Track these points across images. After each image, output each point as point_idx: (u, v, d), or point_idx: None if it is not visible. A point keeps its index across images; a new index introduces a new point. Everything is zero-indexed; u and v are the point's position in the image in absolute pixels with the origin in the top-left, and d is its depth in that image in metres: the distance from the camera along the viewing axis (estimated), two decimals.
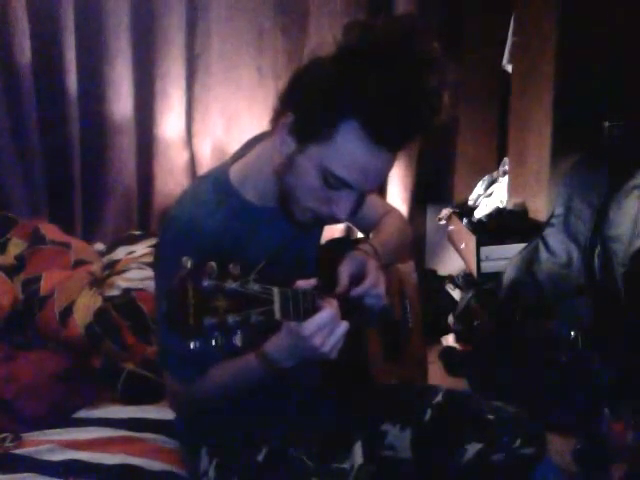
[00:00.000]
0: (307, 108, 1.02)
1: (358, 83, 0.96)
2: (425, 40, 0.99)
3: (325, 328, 0.99)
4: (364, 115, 0.97)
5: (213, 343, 0.84)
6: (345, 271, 1.15)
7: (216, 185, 1.16)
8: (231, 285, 0.84)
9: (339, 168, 1.01)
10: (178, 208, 1.16)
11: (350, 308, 1.10)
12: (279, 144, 1.07)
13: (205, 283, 0.82)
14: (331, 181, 1.03)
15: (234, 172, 1.17)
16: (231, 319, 0.84)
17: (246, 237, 1.14)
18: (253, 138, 1.25)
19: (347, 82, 0.97)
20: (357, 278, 1.17)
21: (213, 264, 0.83)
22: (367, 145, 0.99)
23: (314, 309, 0.99)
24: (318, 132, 1.01)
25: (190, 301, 0.81)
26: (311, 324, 0.98)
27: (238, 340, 0.86)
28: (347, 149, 1.00)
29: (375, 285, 1.17)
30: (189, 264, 0.82)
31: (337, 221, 1.12)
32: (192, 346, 0.84)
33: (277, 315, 0.91)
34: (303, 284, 1.00)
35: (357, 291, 1.16)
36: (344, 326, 1.01)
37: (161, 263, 1.16)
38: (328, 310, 0.99)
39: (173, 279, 0.82)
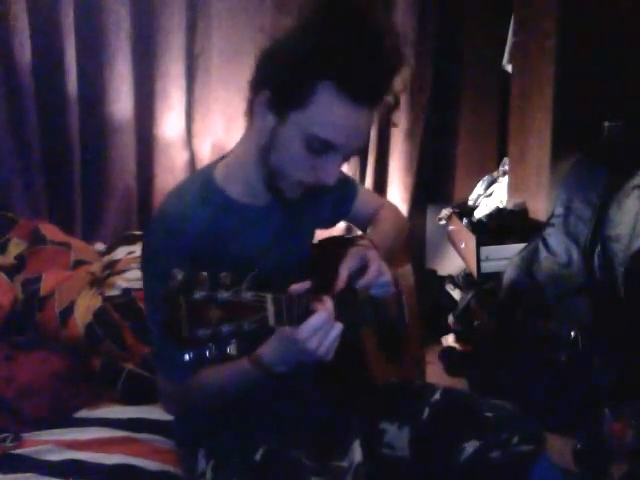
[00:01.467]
0: (282, 79, 1.05)
1: (328, 46, 1.01)
2: (373, 5, 1.07)
3: (320, 331, 0.99)
4: (338, 74, 1.01)
5: (207, 354, 0.84)
6: (345, 268, 1.15)
7: (201, 184, 1.17)
8: (223, 295, 0.83)
9: (322, 130, 1.04)
10: (163, 207, 1.16)
11: (349, 305, 1.09)
12: (260, 123, 1.09)
13: (197, 295, 0.81)
14: (315, 146, 1.05)
15: (219, 171, 1.19)
16: (225, 329, 0.83)
17: (232, 235, 1.15)
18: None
19: (317, 46, 1.01)
20: (359, 272, 1.17)
21: (204, 274, 0.82)
22: (345, 103, 1.03)
23: (308, 312, 0.99)
24: (297, 99, 1.04)
25: (183, 313, 0.80)
26: (305, 328, 0.97)
27: (232, 349, 0.85)
28: (327, 109, 1.03)
29: (379, 274, 1.17)
30: (180, 276, 0.81)
31: (323, 188, 1.13)
32: (186, 357, 0.83)
33: (271, 322, 0.91)
34: (297, 288, 0.99)
35: (361, 283, 1.15)
36: (338, 328, 1.01)
37: (148, 263, 1.15)
38: (322, 313, 0.99)
39: (164, 291, 0.81)
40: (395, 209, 1.55)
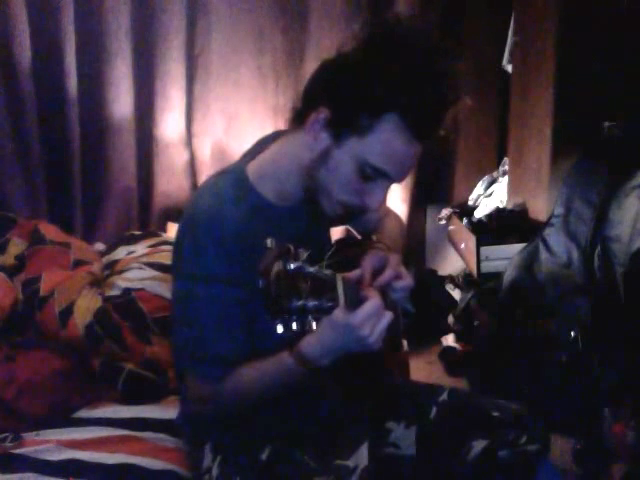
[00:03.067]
0: (347, 103, 1.04)
1: (400, 81, 1.00)
2: (434, 35, 1.06)
3: (372, 318, 0.99)
4: (405, 109, 1.02)
5: (294, 327, 0.84)
6: (368, 266, 1.14)
7: (236, 182, 1.16)
8: (309, 269, 0.85)
9: (379, 159, 1.05)
10: (199, 205, 1.15)
11: None
12: (311, 140, 1.08)
13: (291, 265, 0.82)
14: (368, 172, 1.06)
15: (251, 170, 1.17)
16: (310, 303, 0.84)
17: (263, 235, 1.14)
18: (266, 137, 1.25)
19: (388, 80, 1.01)
20: (378, 272, 1.17)
21: (291, 246, 0.84)
22: (405, 136, 1.04)
23: (360, 300, 1.00)
24: (358, 126, 1.04)
25: (282, 282, 0.81)
26: (360, 313, 0.98)
27: (309, 325, 0.86)
28: (387, 141, 1.04)
29: (398, 277, 1.17)
30: (274, 246, 0.82)
31: (365, 213, 1.14)
32: (279, 329, 0.83)
33: (341, 302, 0.91)
34: (350, 275, 1.01)
35: (379, 281, 1.15)
36: (389, 316, 1.02)
37: (190, 264, 1.13)
38: (375, 300, 1.00)
39: (261, 260, 0.83)
40: (397, 217, 1.56)
